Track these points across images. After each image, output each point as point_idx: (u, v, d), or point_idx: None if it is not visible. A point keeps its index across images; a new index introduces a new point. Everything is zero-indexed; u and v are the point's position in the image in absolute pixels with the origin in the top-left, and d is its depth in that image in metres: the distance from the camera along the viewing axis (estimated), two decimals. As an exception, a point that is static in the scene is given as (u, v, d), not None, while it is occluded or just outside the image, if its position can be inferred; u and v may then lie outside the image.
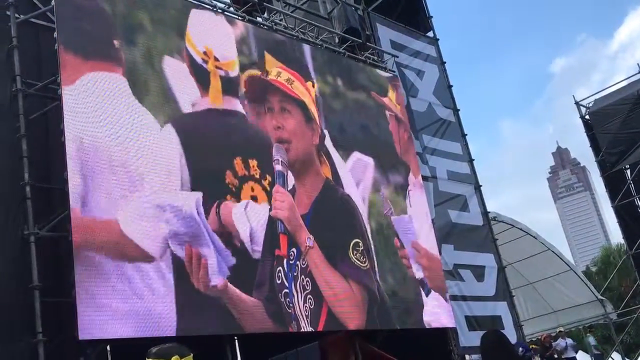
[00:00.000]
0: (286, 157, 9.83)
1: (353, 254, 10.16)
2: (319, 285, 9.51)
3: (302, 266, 9.40)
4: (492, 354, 3.92)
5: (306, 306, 9.18)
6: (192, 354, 2.88)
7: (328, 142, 10.74)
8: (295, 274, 9.25)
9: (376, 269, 10.47)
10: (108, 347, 7.93)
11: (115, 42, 8.39)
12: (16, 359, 6.90)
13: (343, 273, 9.92)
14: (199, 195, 8.45)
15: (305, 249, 9.53)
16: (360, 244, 10.36)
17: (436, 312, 11.19)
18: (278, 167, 9.68)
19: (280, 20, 11.54)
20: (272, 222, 9.27)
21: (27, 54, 8.00)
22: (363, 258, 10.30)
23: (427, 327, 10.99)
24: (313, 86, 10.91)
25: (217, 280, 8.22)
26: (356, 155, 11.21)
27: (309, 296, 9.28)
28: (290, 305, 8.98)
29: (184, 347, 2.88)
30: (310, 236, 9.65)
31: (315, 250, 9.65)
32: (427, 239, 11.75)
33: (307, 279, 9.39)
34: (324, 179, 10.33)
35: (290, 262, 9.24)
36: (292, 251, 9.33)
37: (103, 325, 6.97)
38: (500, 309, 12.82)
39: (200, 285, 8.02)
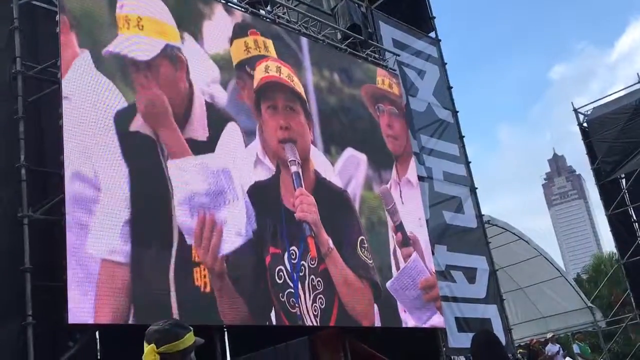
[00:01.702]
0: (299, 156, 9.81)
1: (361, 251, 10.19)
2: (337, 284, 9.53)
3: (312, 266, 9.33)
4: (483, 354, 3.90)
5: (315, 306, 9.15)
6: (178, 340, 2.71)
7: (320, 138, 10.66)
8: (301, 274, 9.18)
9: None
10: (97, 333, 7.92)
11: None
12: (4, 341, 6.89)
13: (357, 272, 9.98)
14: (231, 157, 8.62)
15: (328, 250, 9.57)
16: (365, 241, 10.39)
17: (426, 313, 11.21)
18: (294, 168, 9.66)
19: (284, 13, 11.51)
20: (263, 217, 9.15)
21: (24, 36, 7.95)
22: (369, 255, 10.34)
23: (417, 326, 11.00)
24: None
25: (235, 243, 8.28)
26: (349, 151, 11.17)
27: (319, 296, 9.25)
28: (296, 305, 8.93)
29: (173, 331, 2.71)
30: (329, 237, 9.69)
31: (334, 250, 9.69)
32: (426, 247, 11.76)
33: (319, 279, 9.35)
34: (315, 174, 10.26)
35: (293, 261, 9.14)
36: (293, 250, 9.24)
37: (93, 311, 6.96)
38: (490, 311, 12.84)
39: (208, 256, 7.98)
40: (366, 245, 10.37)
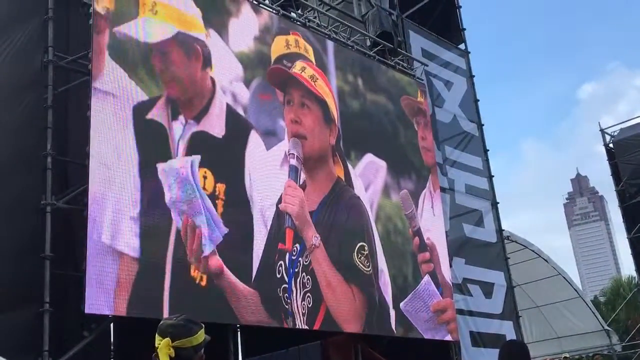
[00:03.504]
0: (302, 152, 9.78)
1: (357, 257, 10.10)
2: (320, 285, 9.45)
3: (305, 263, 9.32)
4: None
5: (304, 304, 9.12)
6: (192, 336, 2.71)
7: (341, 141, 10.64)
8: (296, 270, 9.17)
9: (379, 275, 10.42)
10: (112, 325, 7.96)
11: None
12: (19, 327, 6.95)
13: (345, 276, 9.84)
14: (195, 158, 8.37)
15: (310, 247, 9.47)
16: (366, 248, 10.29)
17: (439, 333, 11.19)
18: (292, 161, 9.63)
19: (314, 17, 11.53)
20: (279, 215, 9.20)
21: (56, 28, 8.03)
22: (367, 262, 10.23)
23: (429, 338, 10.93)
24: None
25: (209, 250, 8.15)
26: (369, 157, 11.14)
27: (308, 294, 9.21)
28: (288, 301, 8.93)
29: (187, 327, 2.72)
30: (317, 235, 9.60)
31: (320, 249, 9.58)
32: (445, 259, 11.75)
33: (308, 277, 9.32)
34: (335, 179, 10.24)
35: (293, 257, 9.16)
36: (296, 247, 9.25)
37: (109, 302, 7.00)
38: (506, 328, 12.71)
39: (192, 258, 7.93)
40: (365, 252, 10.25)
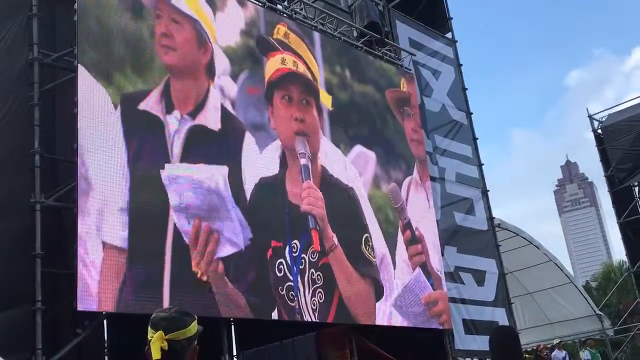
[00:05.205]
0: (309, 150, 9.77)
1: (366, 249, 10.13)
2: (339, 281, 9.48)
3: (312, 260, 9.28)
4: (503, 350, 3.81)
5: (314, 300, 9.10)
6: (186, 328, 2.69)
7: (330, 133, 10.63)
8: (301, 267, 9.12)
9: (379, 265, 10.44)
10: (105, 321, 7.94)
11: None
12: (13, 326, 6.93)
13: (360, 270, 9.90)
14: (225, 169, 8.47)
15: (331, 246, 9.52)
16: (370, 239, 10.33)
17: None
18: (303, 161, 9.62)
19: (301, 9, 11.49)
20: (267, 211, 9.14)
21: (42, 25, 7.97)
22: (373, 253, 10.28)
23: (424, 327, 10.97)
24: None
25: (229, 250, 8.19)
26: (358, 148, 11.11)
27: (318, 290, 9.19)
28: (295, 298, 8.87)
29: (180, 319, 2.70)
30: (334, 234, 9.63)
31: (339, 248, 9.64)
32: (434, 248, 11.73)
33: (319, 273, 9.29)
34: (322, 169, 10.20)
35: (294, 254, 9.09)
36: (295, 243, 9.18)
37: (101, 298, 6.98)
38: (498, 315, 12.77)
39: (203, 262, 7.92)
40: (370, 243, 10.30)
